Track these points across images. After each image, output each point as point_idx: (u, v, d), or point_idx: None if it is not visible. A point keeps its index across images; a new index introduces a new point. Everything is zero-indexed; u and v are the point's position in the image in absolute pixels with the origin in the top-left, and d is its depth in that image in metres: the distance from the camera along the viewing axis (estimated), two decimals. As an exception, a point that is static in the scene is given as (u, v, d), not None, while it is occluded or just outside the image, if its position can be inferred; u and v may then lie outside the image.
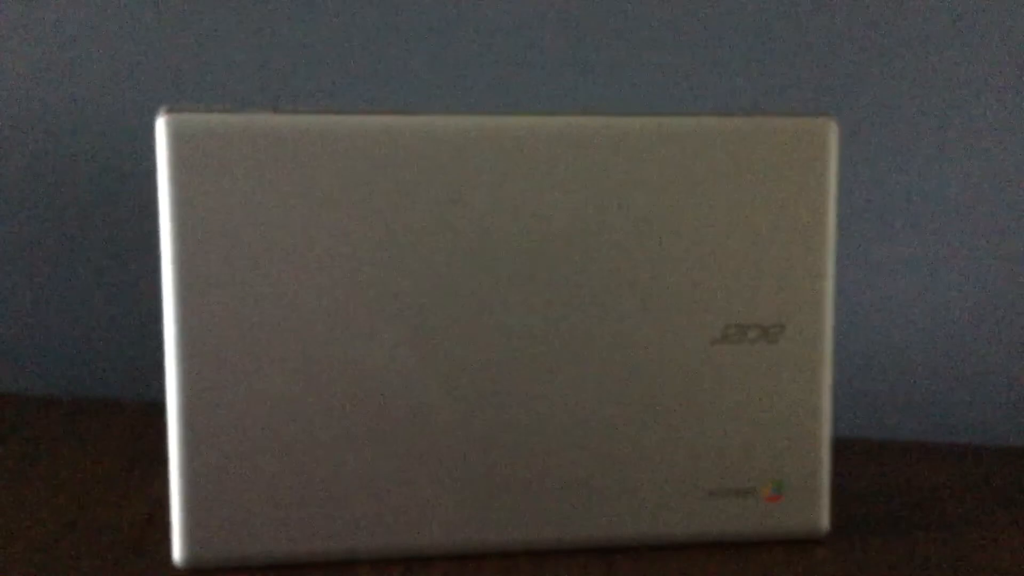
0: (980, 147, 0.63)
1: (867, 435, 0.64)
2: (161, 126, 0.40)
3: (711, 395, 0.44)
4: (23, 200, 0.69)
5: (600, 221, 0.43)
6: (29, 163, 0.69)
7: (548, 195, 0.43)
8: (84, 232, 0.69)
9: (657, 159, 0.43)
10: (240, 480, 0.42)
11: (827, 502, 0.46)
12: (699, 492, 0.45)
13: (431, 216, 0.42)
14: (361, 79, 0.67)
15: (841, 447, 0.56)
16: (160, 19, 0.67)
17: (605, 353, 0.44)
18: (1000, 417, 0.65)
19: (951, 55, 0.62)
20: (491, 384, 0.43)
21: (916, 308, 0.64)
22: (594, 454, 0.44)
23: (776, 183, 0.44)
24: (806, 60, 0.63)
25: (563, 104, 0.65)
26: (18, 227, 0.70)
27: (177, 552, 0.42)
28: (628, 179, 0.43)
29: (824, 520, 0.46)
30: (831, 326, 0.45)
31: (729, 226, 0.44)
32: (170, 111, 0.41)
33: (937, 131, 0.63)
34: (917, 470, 0.56)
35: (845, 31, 0.63)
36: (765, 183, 0.44)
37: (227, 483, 0.42)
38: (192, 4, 0.67)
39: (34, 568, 0.43)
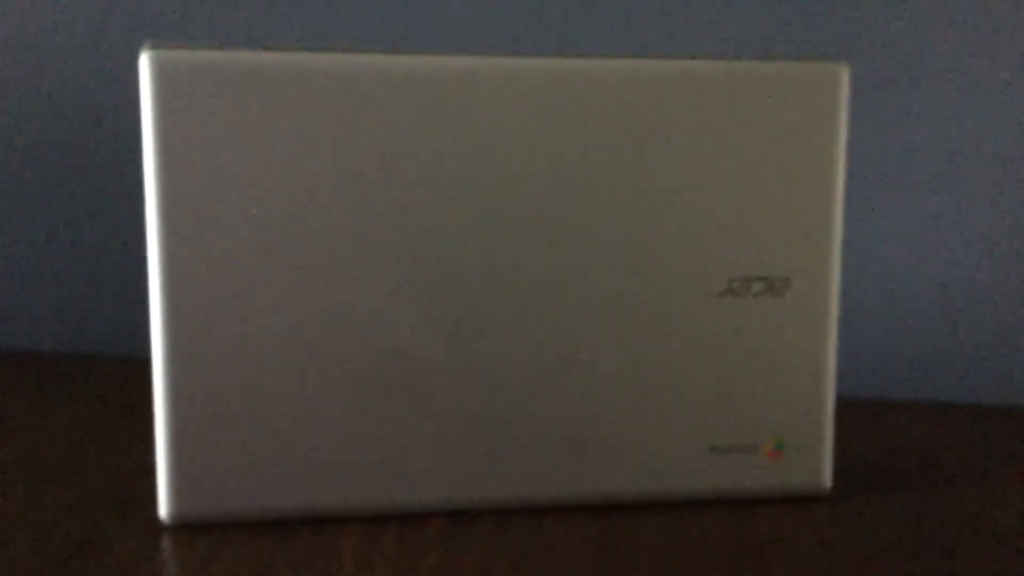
0: (997, 98, 0.61)
1: (870, 394, 0.64)
2: (144, 63, 0.38)
3: (714, 349, 0.43)
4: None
5: (601, 168, 0.41)
6: (4, 102, 0.66)
7: (547, 139, 0.41)
8: (63, 178, 0.67)
9: (661, 104, 0.42)
10: (228, 433, 0.40)
11: (830, 460, 0.45)
12: (700, 448, 0.44)
13: (423, 158, 0.40)
14: (352, 17, 0.64)
15: (844, 405, 0.55)
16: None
17: (606, 305, 0.42)
18: (1009, 376, 0.64)
19: (971, 0, 0.61)
20: (487, 336, 0.42)
21: (925, 263, 0.63)
22: (593, 409, 0.43)
23: (784, 130, 0.43)
24: (817, 2, 0.62)
25: (566, 46, 0.63)
26: (-7, 175, 0.67)
27: (163, 508, 0.41)
28: (630, 124, 0.41)
29: (826, 478, 0.45)
30: (838, 280, 0.44)
31: (735, 175, 0.42)
32: (153, 47, 0.38)
33: (953, 79, 0.61)
34: (920, 429, 0.55)
35: (850, -22, 0.61)
36: (773, 130, 0.42)
37: (214, 436, 0.40)
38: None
39: (12, 527, 0.41)
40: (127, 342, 0.68)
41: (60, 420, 0.53)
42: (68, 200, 0.67)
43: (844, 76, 0.43)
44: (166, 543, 0.40)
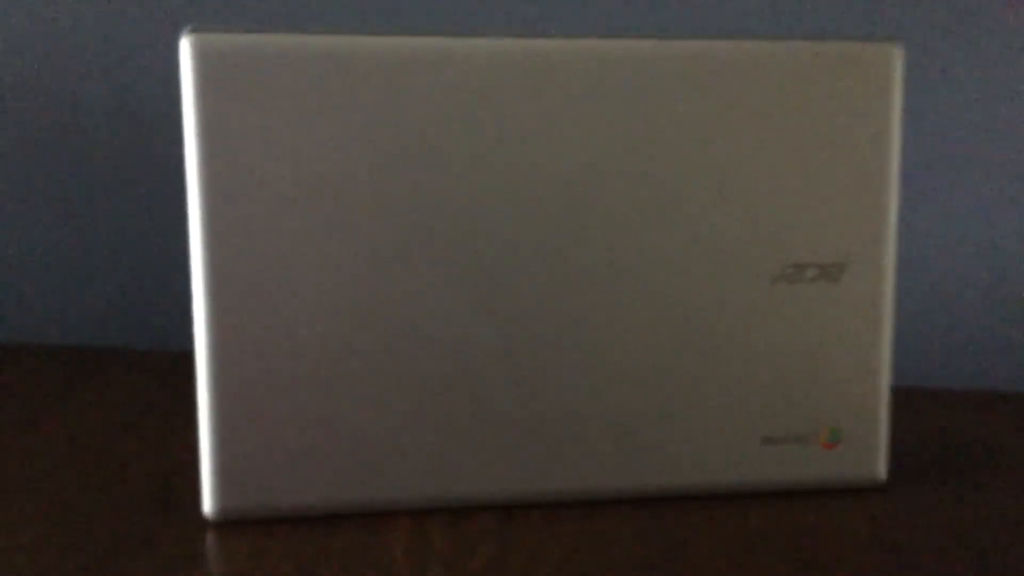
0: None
1: (924, 383, 0.62)
2: (185, 47, 0.37)
3: (767, 337, 0.42)
4: (37, 136, 0.66)
5: (653, 152, 0.40)
6: (41, 89, 0.66)
7: (599, 124, 0.40)
8: (104, 168, 0.66)
9: (711, 86, 0.41)
10: (273, 427, 0.40)
11: (885, 450, 0.44)
12: (753, 439, 0.43)
13: (468, 143, 0.39)
14: (390, 3, 0.63)
15: (897, 394, 0.54)
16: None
17: (658, 293, 0.41)
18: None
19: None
20: (537, 325, 0.41)
21: (981, 248, 0.62)
22: (645, 400, 0.42)
23: (838, 113, 0.41)
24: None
25: (611, 27, 0.62)
26: (30, 162, 0.67)
27: (207, 504, 0.40)
28: (682, 108, 0.40)
29: (882, 469, 0.44)
30: (894, 265, 0.43)
31: (788, 158, 0.41)
32: (194, 31, 0.38)
33: (1011, 62, 0.60)
34: (976, 418, 0.54)
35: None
36: (826, 113, 0.41)
37: (259, 430, 0.39)
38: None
39: (54, 524, 0.40)
40: (160, 336, 0.68)
41: (93, 416, 0.52)
42: (104, 193, 0.67)
43: (898, 57, 0.42)
44: (211, 539, 0.39)
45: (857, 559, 0.38)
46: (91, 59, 0.65)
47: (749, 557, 0.38)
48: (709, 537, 0.40)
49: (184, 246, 0.66)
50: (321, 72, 0.38)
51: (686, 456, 0.42)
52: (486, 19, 0.63)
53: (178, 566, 0.37)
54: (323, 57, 0.38)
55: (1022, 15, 0.57)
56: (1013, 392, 0.59)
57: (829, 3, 0.61)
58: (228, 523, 0.40)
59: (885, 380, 0.43)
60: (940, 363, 0.63)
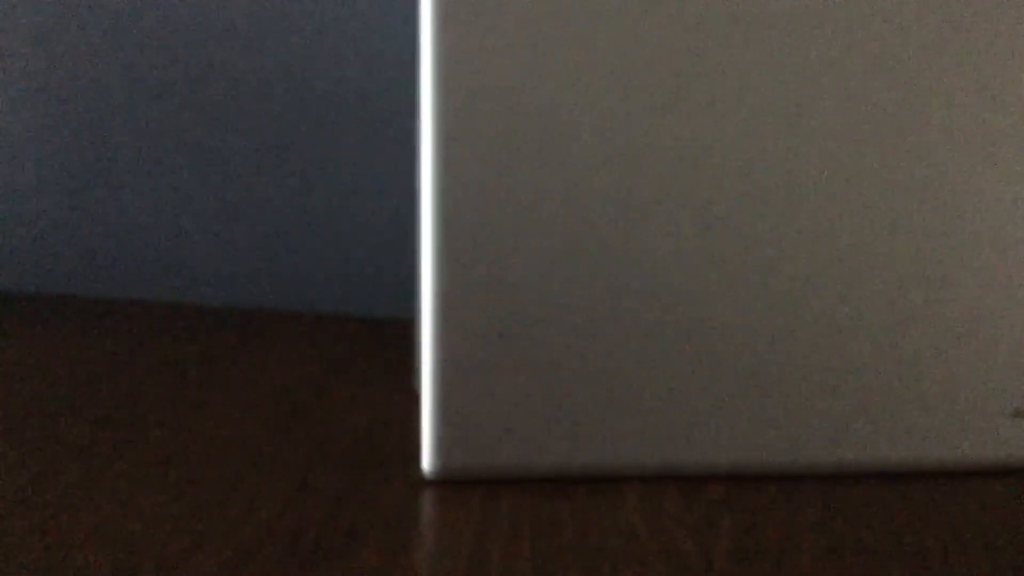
0: None
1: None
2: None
3: (1017, 294, 0.39)
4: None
5: (910, 69, 0.37)
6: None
7: (871, 49, 0.37)
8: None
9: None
10: (498, 382, 0.37)
11: None
12: (1002, 412, 0.39)
13: (725, 68, 0.36)
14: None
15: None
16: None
17: (902, 254, 0.38)
18: None
19: None
20: (787, 286, 0.38)
21: None
22: (887, 370, 0.38)
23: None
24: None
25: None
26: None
27: (426, 461, 0.37)
28: (953, 25, 0.37)
29: None
30: None
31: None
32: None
33: None
34: None
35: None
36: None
37: (484, 385, 0.37)
38: None
39: (267, 480, 0.38)
40: (331, 298, 0.66)
41: (278, 377, 0.50)
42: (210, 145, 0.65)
43: None
44: (429, 498, 0.37)
45: None
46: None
47: (998, 534, 0.35)
48: (954, 513, 0.37)
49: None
50: None
51: (933, 430, 0.39)
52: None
53: (398, 521, 0.34)
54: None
55: None
56: None
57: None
58: (447, 481, 0.38)
59: None
60: None
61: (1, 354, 0.52)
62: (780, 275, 0.37)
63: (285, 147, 0.64)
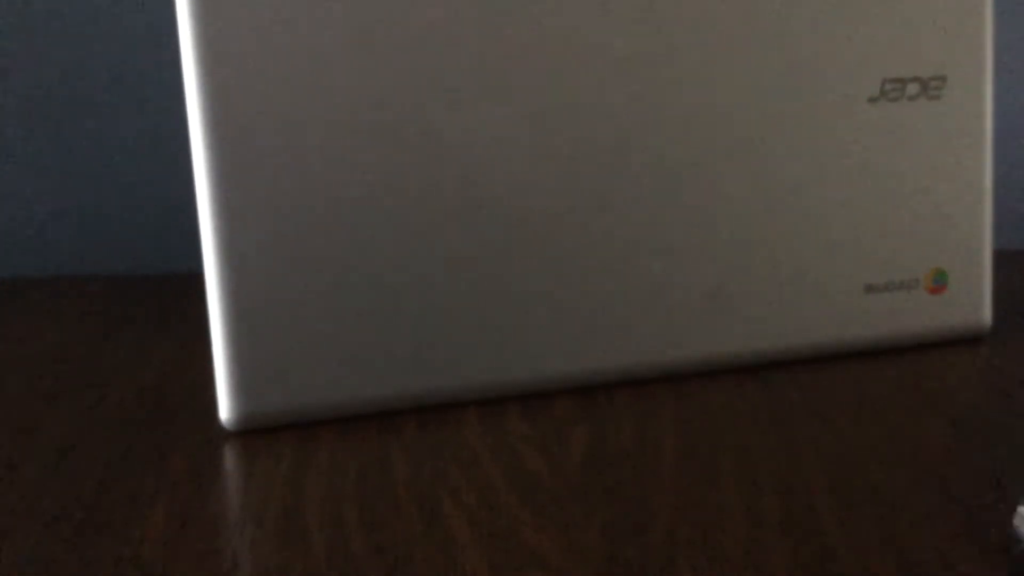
0: None
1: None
2: None
3: (868, 166, 0.36)
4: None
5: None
6: None
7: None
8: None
9: None
10: (293, 317, 0.31)
11: (989, 292, 0.39)
12: (855, 288, 0.37)
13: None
14: None
15: (1005, 256, 0.49)
16: None
17: (750, 122, 0.35)
18: None
19: None
20: (611, 170, 0.34)
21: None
22: (736, 252, 0.35)
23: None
24: None
25: None
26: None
27: (224, 410, 0.31)
28: None
29: (987, 313, 0.39)
30: (992, 77, 0.37)
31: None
32: None
33: None
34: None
35: None
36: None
37: (277, 322, 0.31)
38: None
39: (70, 436, 0.31)
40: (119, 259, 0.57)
41: (50, 336, 0.42)
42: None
43: None
44: (232, 450, 0.31)
45: (970, 403, 0.33)
46: None
47: (864, 411, 0.33)
48: (820, 395, 0.34)
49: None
50: None
51: (787, 315, 0.36)
52: None
53: (194, 479, 0.29)
54: None
55: None
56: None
57: None
58: (247, 431, 0.32)
59: (987, 210, 0.38)
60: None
61: None
62: (608, 158, 0.33)
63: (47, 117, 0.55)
